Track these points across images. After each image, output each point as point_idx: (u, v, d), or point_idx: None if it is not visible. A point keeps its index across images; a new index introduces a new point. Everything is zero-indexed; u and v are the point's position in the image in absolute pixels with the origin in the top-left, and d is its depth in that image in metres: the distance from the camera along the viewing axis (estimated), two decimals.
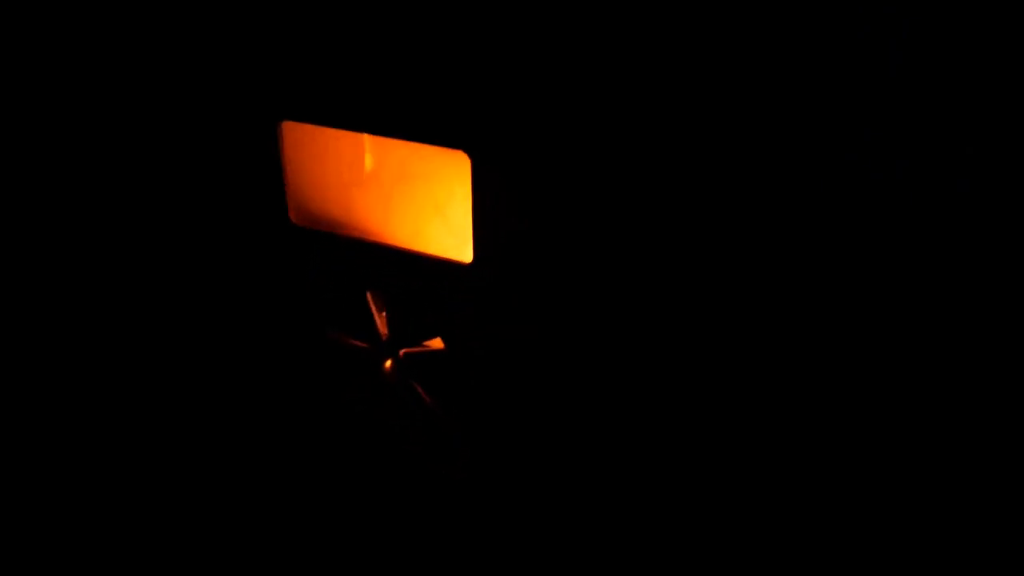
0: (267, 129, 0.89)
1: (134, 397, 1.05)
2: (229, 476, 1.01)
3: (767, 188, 0.73)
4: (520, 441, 0.94)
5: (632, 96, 0.77)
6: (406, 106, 0.81)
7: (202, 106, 0.93)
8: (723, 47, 0.70)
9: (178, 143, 0.98)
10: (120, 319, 1.06)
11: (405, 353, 0.94)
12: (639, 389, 0.88)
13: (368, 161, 0.86)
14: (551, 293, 0.85)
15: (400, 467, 0.99)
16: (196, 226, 1.02)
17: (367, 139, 0.85)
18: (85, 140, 1.00)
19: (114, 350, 1.06)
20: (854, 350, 0.76)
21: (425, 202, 0.86)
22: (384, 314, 0.94)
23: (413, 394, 0.95)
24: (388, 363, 0.94)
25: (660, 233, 0.82)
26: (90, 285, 1.05)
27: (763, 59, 0.66)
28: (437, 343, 0.92)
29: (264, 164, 0.91)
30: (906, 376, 0.73)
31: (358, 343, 0.96)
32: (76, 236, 1.04)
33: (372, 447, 1.00)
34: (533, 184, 0.80)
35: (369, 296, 0.93)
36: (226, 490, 0.99)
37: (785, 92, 0.65)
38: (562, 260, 0.83)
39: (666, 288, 0.85)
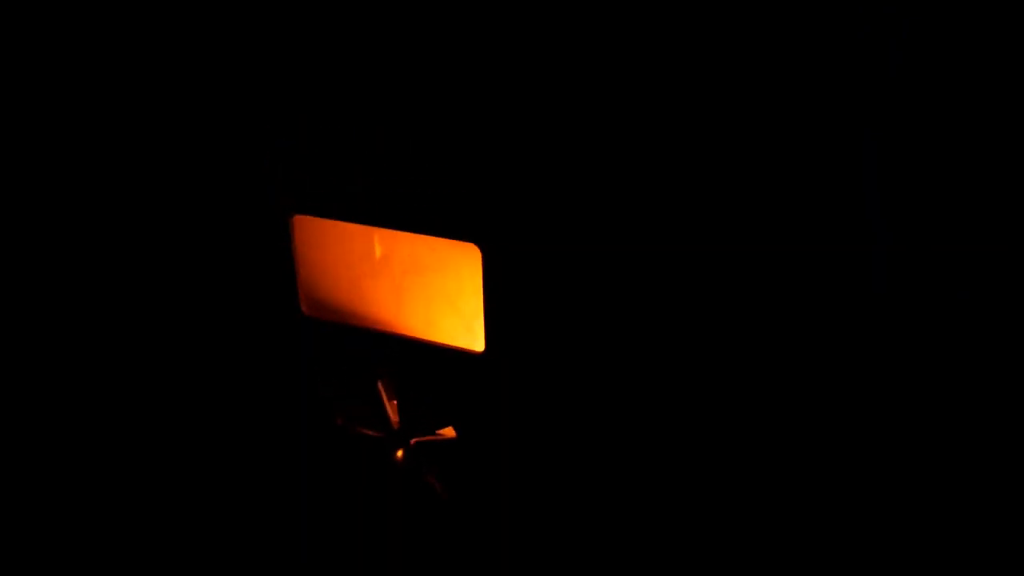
0: (280, 223, 0.91)
1: (150, 493, 1.04)
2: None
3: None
4: (536, 527, 0.92)
5: (645, 180, 0.79)
6: (416, 200, 0.82)
7: (217, 201, 0.95)
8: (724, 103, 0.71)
9: (194, 236, 0.99)
10: (137, 414, 1.05)
11: (416, 442, 0.94)
12: (653, 479, 0.87)
13: (378, 252, 0.87)
14: (564, 382, 0.85)
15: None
16: (211, 317, 1.03)
17: (377, 231, 0.87)
18: (104, 234, 1.01)
19: (132, 446, 1.05)
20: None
21: (436, 292, 0.86)
22: (395, 403, 0.94)
23: (426, 484, 0.94)
24: (400, 452, 0.94)
25: (675, 324, 0.83)
26: (110, 377, 1.05)
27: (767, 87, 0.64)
28: (449, 432, 0.92)
29: (276, 256, 0.92)
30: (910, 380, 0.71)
31: (370, 432, 0.96)
32: (98, 323, 1.04)
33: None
34: (544, 276, 0.81)
35: (380, 385, 0.93)
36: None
37: (786, 102, 0.64)
38: (575, 350, 0.84)
39: (681, 380, 0.85)
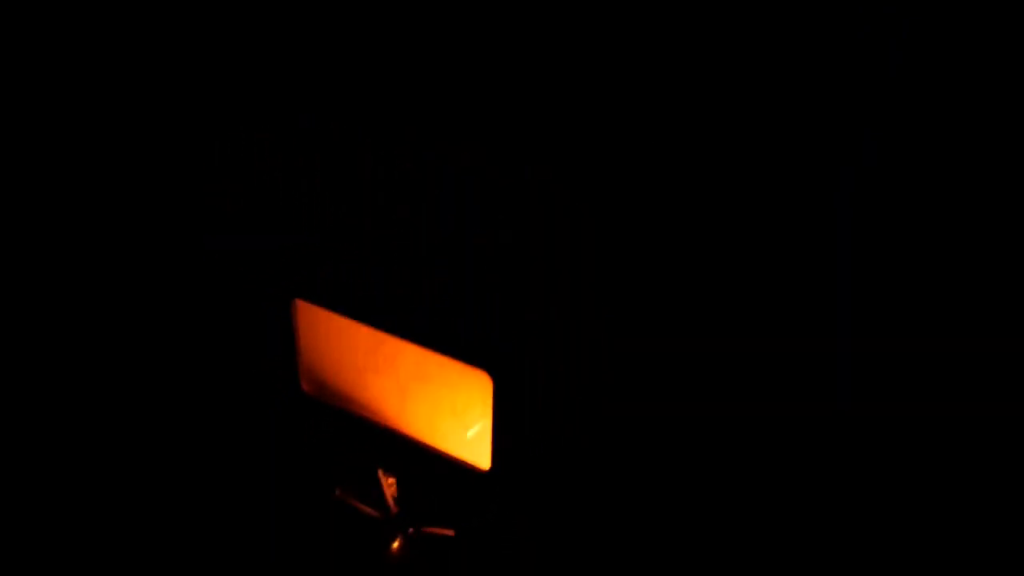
0: (282, 303, 0.84)
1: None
2: None
3: None
4: None
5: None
6: (426, 312, 0.75)
7: (226, 271, 0.88)
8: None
9: (197, 297, 0.93)
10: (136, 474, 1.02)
11: (415, 530, 0.90)
12: None
13: (384, 354, 0.81)
14: (570, 510, 0.80)
15: None
16: (210, 378, 0.98)
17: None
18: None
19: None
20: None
21: (442, 403, 0.81)
22: (393, 489, 0.90)
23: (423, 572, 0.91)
24: (396, 543, 0.90)
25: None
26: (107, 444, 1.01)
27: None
28: (449, 531, 0.88)
29: (278, 334, 0.86)
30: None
31: (367, 509, 0.92)
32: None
33: None
34: (560, 407, 0.75)
35: (380, 473, 0.89)
36: None
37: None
38: (587, 487, 0.78)
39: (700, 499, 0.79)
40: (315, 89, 0.73)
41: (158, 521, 0.97)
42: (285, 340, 0.86)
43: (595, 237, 0.64)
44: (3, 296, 0.97)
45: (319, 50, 0.73)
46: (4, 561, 0.91)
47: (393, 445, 0.85)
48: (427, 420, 0.83)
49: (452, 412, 0.80)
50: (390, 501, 0.90)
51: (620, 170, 0.63)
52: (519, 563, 0.86)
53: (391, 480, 0.91)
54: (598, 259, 0.65)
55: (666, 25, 0.59)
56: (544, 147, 0.64)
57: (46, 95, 0.88)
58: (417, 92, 0.69)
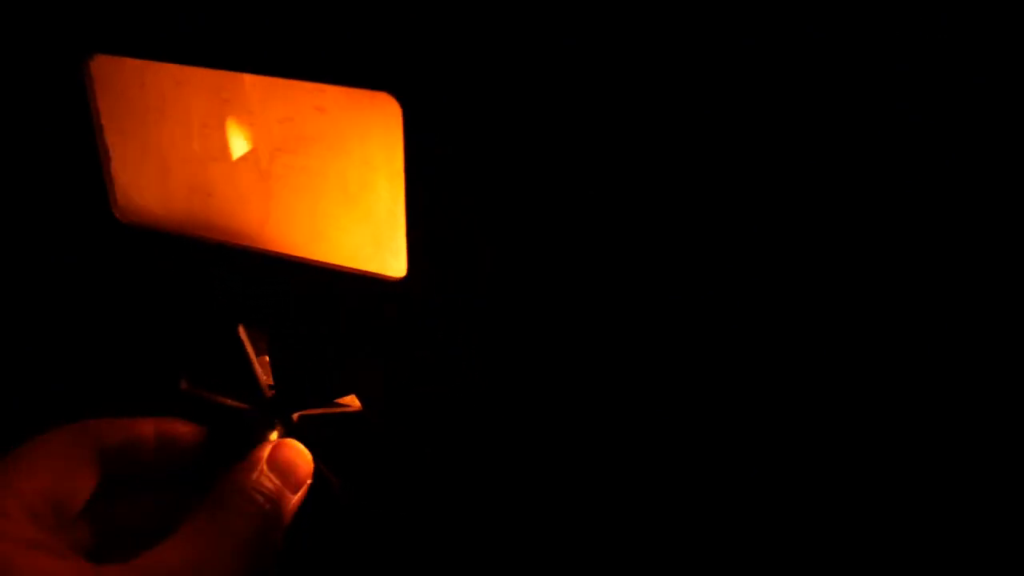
0: (68, 70, 0.56)
1: None
2: None
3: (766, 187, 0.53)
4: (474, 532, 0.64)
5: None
6: (290, 25, 0.49)
7: None
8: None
9: None
10: None
11: (301, 416, 0.62)
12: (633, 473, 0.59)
13: (233, 122, 0.54)
14: (529, 323, 0.55)
15: None
16: None
17: (228, 84, 0.53)
18: None
19: None
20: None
21: (326, 184, 0.54)
22: (267, 358, 0.62)
23: (316, 478, 0.63)
24: (275, 433, 0.62)
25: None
26: None
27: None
28: (351, 402, 0.61)
29: (68, 129, 0.58)
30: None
31: (229, 402, 0.64)
32: None
33: None
34: (505, 146, 0.50)
35: (243, 332, 0.61)
36: None
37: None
38: (548, 271, 0.53)
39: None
40: None
41: None
42: (79, 133, 0.58)
43: None
44: None
45: None
46: None
47: (259, 278, 0.58)
48: (306, 220, 0.56)
49: (343, 194, 0.54)
50: (262, 376, 0.63)
51: None
52: (455, 438, 0.60)
53: (262, 349, 0.63)
54: None
55: None
56: None
57: None
58: None
